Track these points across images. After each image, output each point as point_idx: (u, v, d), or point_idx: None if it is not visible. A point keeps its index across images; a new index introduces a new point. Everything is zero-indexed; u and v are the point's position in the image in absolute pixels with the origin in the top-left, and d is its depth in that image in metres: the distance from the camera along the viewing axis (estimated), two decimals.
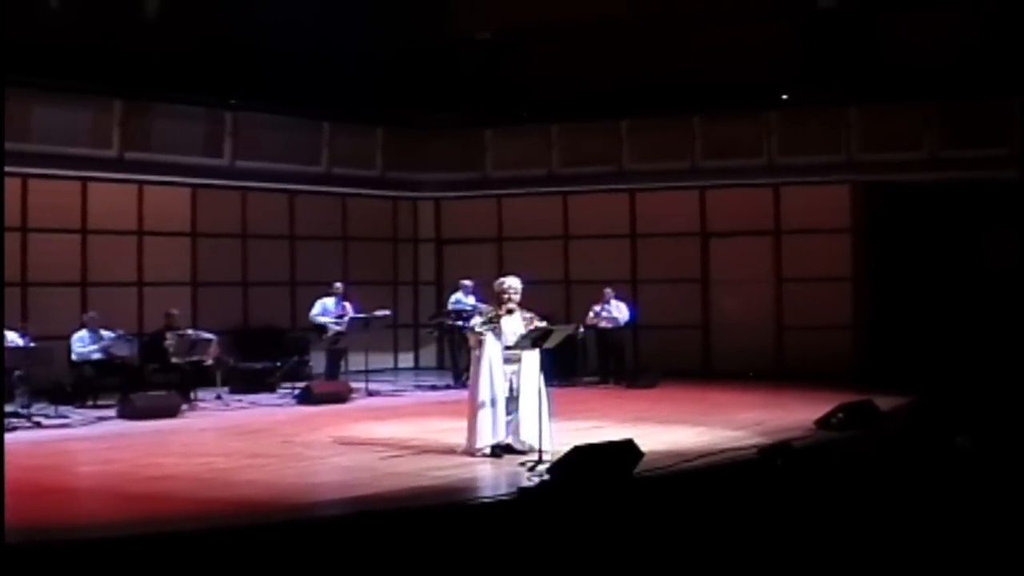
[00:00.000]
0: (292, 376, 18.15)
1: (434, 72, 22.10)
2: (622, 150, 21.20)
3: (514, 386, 11.24)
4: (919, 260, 19.45)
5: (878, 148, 19.57)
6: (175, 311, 16.70)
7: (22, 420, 13.68)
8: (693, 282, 20.68)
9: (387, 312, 18.43)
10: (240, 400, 16.56)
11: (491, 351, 11.21)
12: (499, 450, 11.08)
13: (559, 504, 8.91)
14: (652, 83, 20.55)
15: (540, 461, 10.24)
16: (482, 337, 11.27)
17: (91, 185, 18.14)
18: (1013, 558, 7.14)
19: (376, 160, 21.73)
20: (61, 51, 17.43)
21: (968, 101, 19.08)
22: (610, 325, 18.97)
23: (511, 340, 11.22)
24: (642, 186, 21.00)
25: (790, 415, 14.22)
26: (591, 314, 18.92)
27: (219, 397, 16.46)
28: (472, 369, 11.51)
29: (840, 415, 12.96)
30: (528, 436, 11.00)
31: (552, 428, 10.89)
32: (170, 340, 15.95)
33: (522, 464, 10.47)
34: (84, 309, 16.85)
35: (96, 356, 15.83)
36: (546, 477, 9.63)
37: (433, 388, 18.49)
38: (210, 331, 16.64)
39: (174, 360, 15.88)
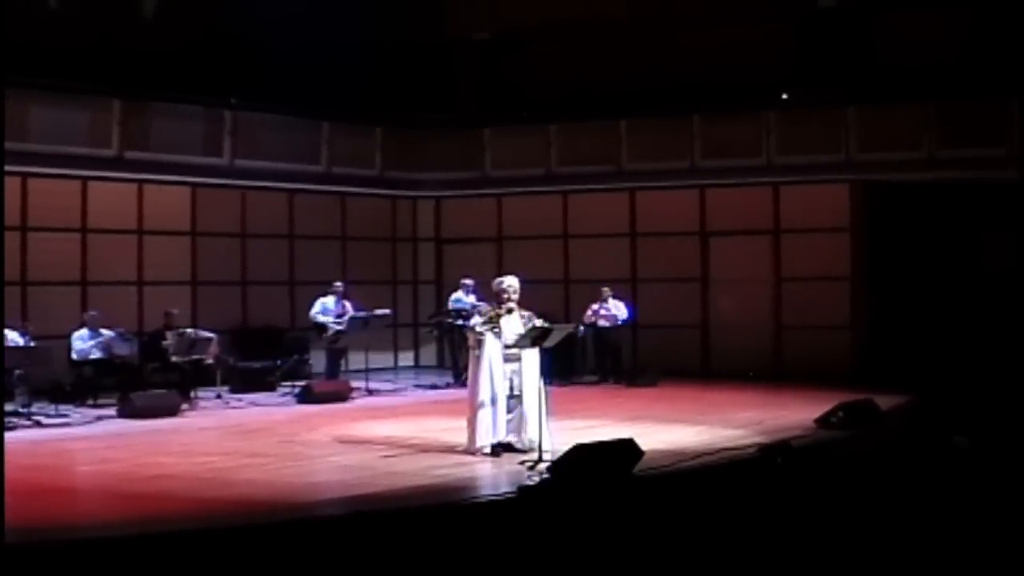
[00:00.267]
0: (292, 375, 18.16)
1: (433, 72, 22.12)
2: (621, 149, 21.21)
3: (514, 385, 11.26)
4: (918, 260, 19.47)
5: (877, 148, 19.58)
6: (174, 310, 16.71)
7: (22, 419, 13.69)
8: (692, 281, 20.69)
9: (387, 311, 18.44)
10: (240, 399, 16.57)
11: (491, 350, 11.23)
12: (499, 449, 11.09)
13: (559, 503, 8.92)
14: (651, 83, 20.57)
15: (540, 460, 10.26)
16: (482, 337, 11.29)
17: (91, 184, 18.14)
18: (1012, 557, 7.16)
19: (375, 159, 21.74)
20: (60, 50, 17.44)
21: (966, 101, 19.10)
22: (609, 323, 18.99)
23: (511, 339, 11.24)
24: (641, 185, 21.02)
25: (789, 414, 14.24)
26: (589, 312, 18.94)
27: (219, 396, 16.46)
28: (471, 368, 11.52)
29: (840, 414, 12.99)
30: (531, 435, 11.01)
31: (549, 427, 10.91)
32: (169, 339, 15.97)
33: (522, 463, 10.49)
34: (84, 308, 16.85)
35: (96, 355, 15.84)
36: (546, 476, 9.65)
37: (433, 387, 18.49)
38: (210, 330, 16.64)
39: (174, 359, 15.90)
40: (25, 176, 16.92)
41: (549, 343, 11.23)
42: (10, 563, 6.61)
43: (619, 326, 19.18)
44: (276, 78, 18.90)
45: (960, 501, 8.55)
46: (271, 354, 18.60)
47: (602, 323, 18.96)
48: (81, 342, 15.80)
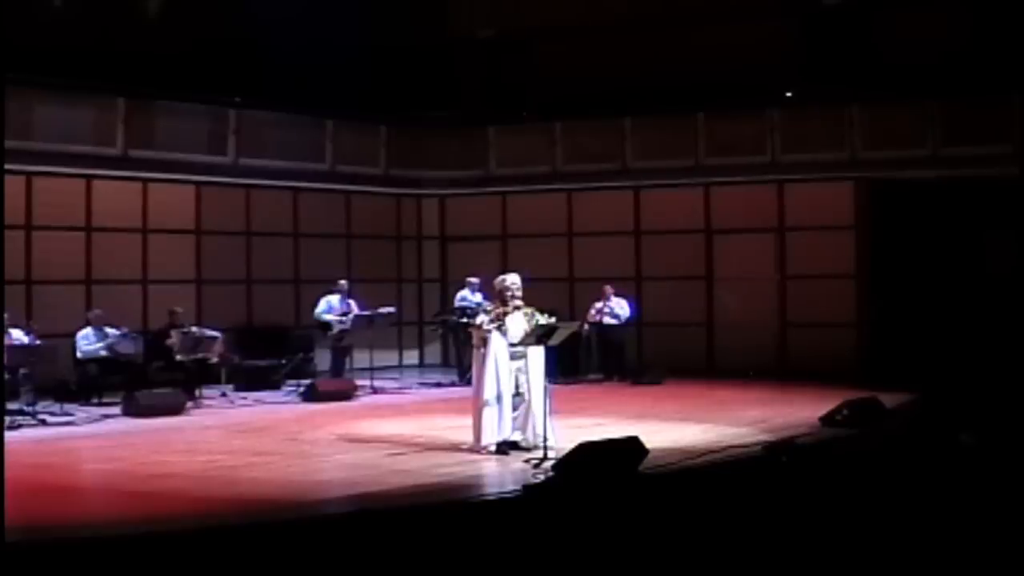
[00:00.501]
0: (296, 373, 18.17)
1: (437, 70, 22.09)
2: (625, 148, 21.22)
3: (520, 383, 11.26)
4: (922, 257, 19.42)
5: (881, 145, 19.57)
6: (178, 309, 16.70)
7: (27, 418, 13.68)
8: (697, 279, 20.69)
9: (391, 309, 18.43)
10: (245, 398, 16.57)
11: (497, 348, 11.22)
12: (505, 447, 11.09)
13: (564, 501, 8.92)
14: (655, 81, 20.55)
15: (545, 458, 10.26)
16: (488, 335, 11.28)
17: (95, 183, 18.16)
18: (1016, 554, 7.15)
19: (380, 158, 21.75)
20: (64, 50, 17.44)
21: (970, 99, 19.07)
22: (614, 321, 18.99)
23: (517, 337, 11.23)
24: (646, 184, 21.02)
25: (795, 412, 14.23)
26: (592, 311, 18.94)
27: (224, 395, 16.48)
28: (476, 367, 11.50)
29: (845, 412, 12.96)
30: (537, 432, 11.00)
31: (553, 425, 10.90)
32: (174, 338, 15.97)
33: (527, 461, 10.48)
34: (88, 307, 16.87)
35: (101, 354, 15.85)
36: (551, 474, 9.64)
37: (438, 385, 18.51)
38: (214, 328, 16.66)
39: (178, 358, 15.91)
40: (30, 175, 16.96)
41: (554, 341, 11.23)
42: (13, 562, 6.61)
43: (623, 324, 19.18)
44: (280, 76, 18.89)
45: (965, 499, 8.53)
46: (276, 352, 18.60)
47: (608, 321, 18.96)
48: (86, 341, 15.82)
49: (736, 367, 19.50)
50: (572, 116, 21.52)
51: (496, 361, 11.20)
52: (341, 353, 18.12)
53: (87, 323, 16.04)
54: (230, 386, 17.07)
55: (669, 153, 20.84)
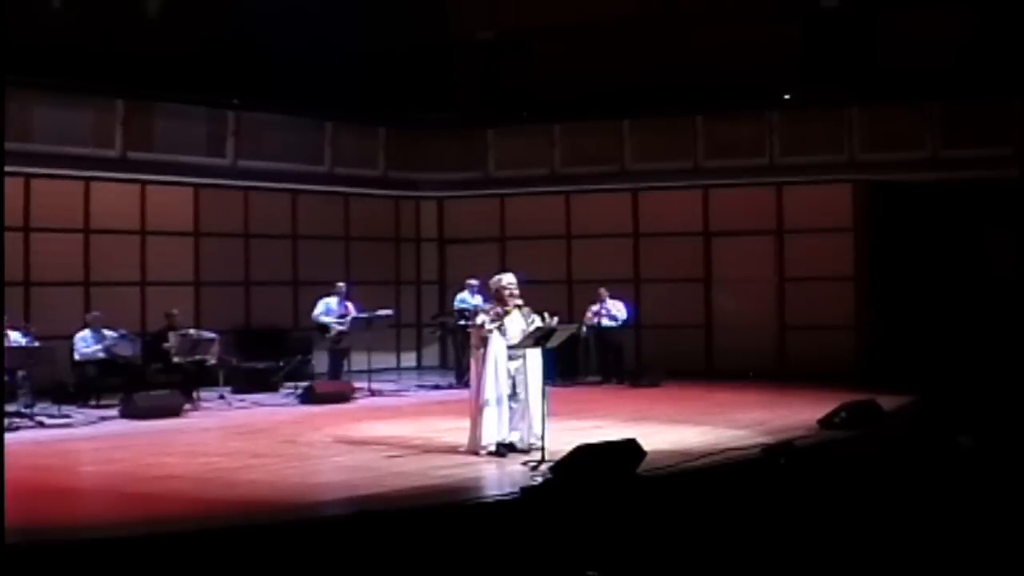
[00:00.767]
0: (295, 376, 18.15)
1: (436, 72, 22.11)
2: (624, 150, 21.21)
3: (516, 384, 11.25)
4: (921, 259, 19.44)
5: (880, 148, 19.57)
6: (175, 311, 16.69)
7: (25, 420, 13.68)
8: (695, 282, 20.68)
9: (389, 312, 18.43)
10: (243, 400, 16.56)
11: (496, 349, 11.21)
12: (503, 448, 11.08)
13: (562, 503, 8.91)
14: (654, 83, 20.55)
15: (543, 460, 10.25)
16: (489, 335, 11.26)
17: (94, 185, 18.14)
18: (1015, 557, 7.14)
19: (378, 160, 21.74)
20: (63, 51, 17.45)
21: (970, 101, 19.07)
22: (612, 323, 18.98)
23: (515, 338, 11.21)
24: (644, 186, 21.00)
25: (793, 414, 14.22)
26: (589, 314, 18.91)
27: (222, 397, 16.46)
28: (474, 368, 11.49)
29: (843, 414, 12.96)
30: (534, 434, 10.99)
31: (550, 427, 10.90)
32: (172, 340, 15.96)
33: (525, 463, 10.48)
34: (87, 309, 16.86)
35: (99, 356, 15.85)
36: (549, 476, 9.64)
37: (436, 388, 18.48)
38: (213, 331, 16.67)
39: (176, 360, 15.90)
40: (28, 177, 16.93)
41: (552, 343, 11.22)
42: (11, 563, 6.60)
43: (621, 326, 19.17)
44: (279, 78, 18.89)
45: (964, 501, 8.53)
46: (274, 355, 18.59)
47: (606, 323, 18.96)
48: (84, 343, 15.81)
49: (735, 369, 19.50)
50: (571, 118, 21.52)
51: (495, 362, 11.19)
52: (339, 355, 18.11)
53: (85, 325, 16.04)
54: (228, 388, 17.06)
55: (668, 155, 20.83)
